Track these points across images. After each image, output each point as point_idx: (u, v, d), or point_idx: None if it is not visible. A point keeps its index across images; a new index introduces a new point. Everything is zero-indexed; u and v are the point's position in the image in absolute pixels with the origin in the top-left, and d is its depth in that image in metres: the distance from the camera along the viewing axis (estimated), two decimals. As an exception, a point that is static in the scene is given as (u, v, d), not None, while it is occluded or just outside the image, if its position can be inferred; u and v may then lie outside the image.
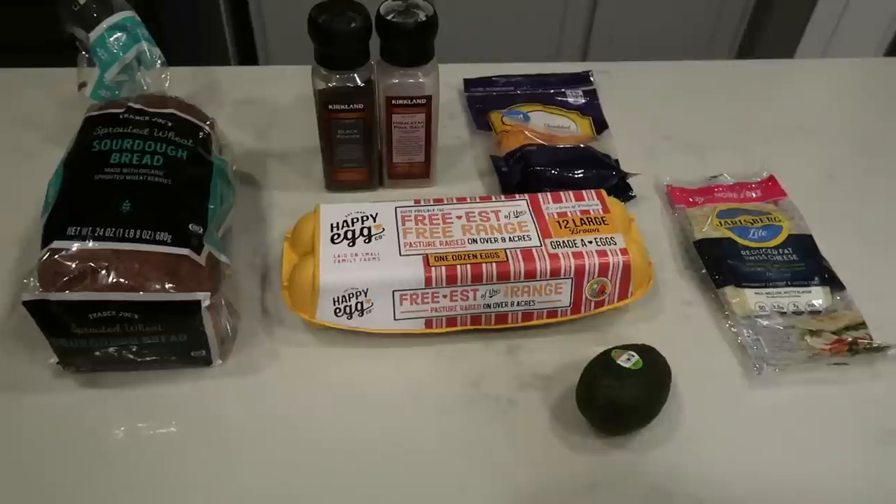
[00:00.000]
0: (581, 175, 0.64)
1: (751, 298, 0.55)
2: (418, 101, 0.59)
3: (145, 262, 0.47)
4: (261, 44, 1.60)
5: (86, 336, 0.47)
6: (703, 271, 0.58)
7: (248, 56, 1.64)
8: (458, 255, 0.51)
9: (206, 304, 0.47)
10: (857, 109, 0.78)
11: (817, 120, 0.76)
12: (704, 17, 1.61)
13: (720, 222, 0.61)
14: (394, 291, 0.51)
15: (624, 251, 0.52)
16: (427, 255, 0.51)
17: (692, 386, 0.51)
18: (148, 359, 0.50)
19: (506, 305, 0.53)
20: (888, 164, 0.71)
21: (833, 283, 0.57)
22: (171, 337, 0.48)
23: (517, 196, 0.57)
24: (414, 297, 0.51)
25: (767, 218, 0.61)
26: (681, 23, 1.61)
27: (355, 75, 0.57)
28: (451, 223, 0.54)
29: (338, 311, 0.51)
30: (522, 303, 0.53)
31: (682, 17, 1.60)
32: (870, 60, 0.92)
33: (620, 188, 0.65)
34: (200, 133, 0.57)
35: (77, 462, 0.47)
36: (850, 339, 0.53)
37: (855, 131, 0.75)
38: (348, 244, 0.52)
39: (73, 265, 0.45)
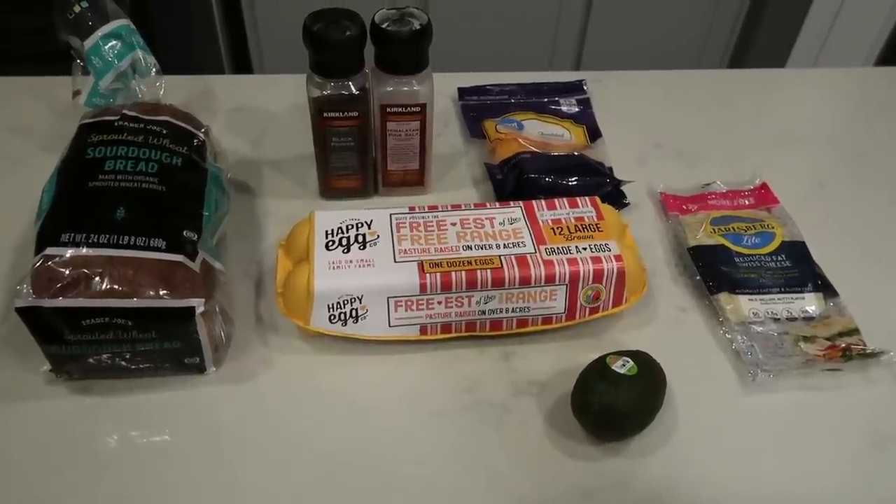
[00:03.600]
0: (575, 183, 0.64)
1: (745, 305, 0.56)
2: (413, 108, 0.60)
3: (139, 269, 0.46)
4: (255, 53, 1.61)
5: (79, 343, 0.47)
6: (697, 278, 0.59)
7: (242, 65, 1.64)
8: (452, 262, 0.51)
9: (200, 310, 0.47)
10: (847, 118, 0.79)
11: (808, 129, 0.77)
12: (696, 27, 1.62)
13: (714, 229, 0.61)
14: (388, 298, 0.51)
15: (618, 258, 0.53)
16: (422, 261, 0.51)
17: (687, 392, 0.51)
18: (141, 366, 0.49)
19: (500, 312, 0.53)
20: (879, 172, 0.71)
21: (826, 289, 0.57)
22: (165, 344, 0.48)
23: (512, 203, 0.57)
24: (409, 303, 0.51)
25: (760, 225, 0.61)
26: (673, 33, 1.62)
27: (350, 83, 0.57)
28: (446, 230, 0.54)
29: (332, 317, 0.51)
30: (517, 309, 0.53)
31: (675, 26, 1.61)
32: (860, 70, 0.93)
33: (614, 195, 0.65)
34: (195, 140, 0.57)
35: (69, 470, 0.46)
36: (843, 344, 0.53)
37: (846, 140, 0.75)
38: (343, 251, 0.52)
39: (67, 272, 0.45)
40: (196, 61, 1.50)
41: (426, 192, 0.67)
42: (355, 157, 0.62)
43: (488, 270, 0.51)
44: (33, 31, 0.88)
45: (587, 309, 0.54)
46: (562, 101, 0.76)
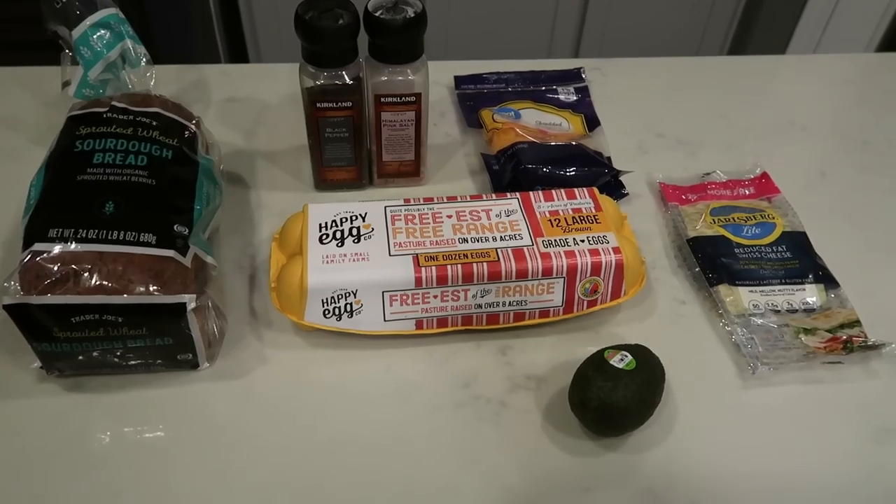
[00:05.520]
0: (573, 173, 0.63)
1: (745, 297, 0.55)
2: (408, 98, 0.59)
3: (129, 264, 0.46)
4: (251, 41, 1.59)
5: (69, 340, 0.46)
6: (697, 269, 0.58)
7: (238, 55, 1.63)
8: (448, 255, 0.51)
9: (191, 306, 0.46)
10: (849, 105, 0.78)
11: (809, 116, 0.76)
12: (696, 13, 1.61)
13: (713, 220, 0.60)
14: (383, 292, 0.50)
15: (617, 250, 0.52)
16: (417, 255, 0.51)
17: (686, 386, 0.51)
18: (133, 362, 0.49)
19: (497, 305, 0.52)
20: (880, 161, 0.70)
21: (827, 280, 0.56)
22: (157, 340, 0.47)
23: (508, 195, 0.56)
24: (404, 297, 0.50)
25: (761, 215, 0.61)
26: (672, 19, 1.61)
27: (343, 73, 0.56)
28: (442, 222, 0.53)
29: (326, 312, 0.50)
30: (514, 303, 0.52)
31: (674, 13, 1.60)
32: (861, 56, 0.92)
33: (613, 186, 0.65)
34: (186, 132, 0.56)
35: (62, 468, 0.46)
36: (844, 336, 0.52)
37: (847, 127, 0.74)
38: (337, 244, 0.51)
39: (55, 267, 0.44)
40: (191, 50, 1.49)
41: (422, 183, 0.66)
42: (349, 148, 0.61)
43: (485, 264, 0.50)
44: (21, 19, 0.87)
45: (585, 302, 0.53)
46: (559, 89, 0.75)
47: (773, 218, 0.60)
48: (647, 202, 0.65)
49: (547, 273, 0.51)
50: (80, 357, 0.47)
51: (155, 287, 0.46)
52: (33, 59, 0.73)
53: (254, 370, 0.51)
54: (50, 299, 0.44)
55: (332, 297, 0.50)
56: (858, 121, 0.75)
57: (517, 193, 0.56)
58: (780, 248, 0.58)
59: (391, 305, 0.51)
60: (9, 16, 1.06)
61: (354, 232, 0.52)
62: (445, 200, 0.55)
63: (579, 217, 0.54)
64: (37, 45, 0.66)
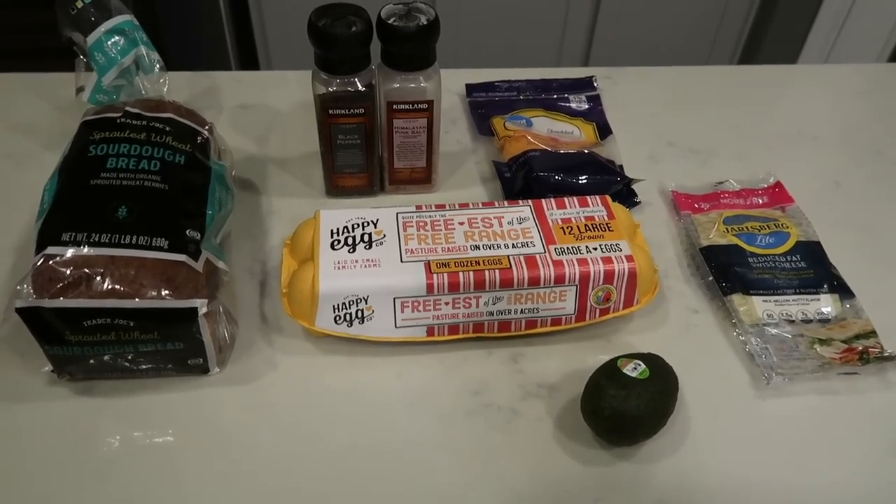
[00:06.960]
0: (585, 181, 0.63)
1: (759, 306, 0.54)
2: (420, 105, 0.59)
3: (141, 269, 0.46)
4: (261, 48, 1.60)
5: (80, 344, 0.46)
6: (710, 278, 0.58)
7: (249, 61, 1.64)
8: (460, 262, 0.50)
9: (202, 311, 0.46)
10: (860, 115, 0.78)
11: (821, 126, 0.75)
12: (706, 23, 1.61)
13: (727, 229, 0.60)
14: (395, 299, 0.50)
15: (629, 258, 0.51)
16: (429, 261, 0.50)
17: (699, 396, 0.50)
18: (144, 367, 0.49)
19: (509, 313, 0.52)
20: (894, 171, 0.70)
21: (842, 290, 0.56)
22: (168, 345, 0.47)
23: (521, 202, 0.56)
24: (415, 304, 0.50)
25: (775, 224, 0.60)
26: (682, 29, 1.61)
27: (356, 80, 0.57)
28: (454, 229, 0.53)
29: (338, 318, 0.50)
30: (526, 310, 0.52)
31: (684, 23, 1.60)
32: (873, 66, 0.92)
33: (625, 194, 0.64)
34: (199, 138, 0.56)
35: (72, 472, 0.45)
36: (860, 347, 0.52)
37: (859, 137, 0.74)
38: (348, 250, 0.51)
39: (68, 271, 0.45)
40: (202, 57, 1.50)
41: (433, 190, 0.66)
42: (361, 154, 0.61)
43: (496, 271, 0.50)
44: (36, 27, 0.88)
45: (597, 310, 0.53)
46: (571, 97, 0.75)
47: (787, 227, 0.60)
48: (659, 211, 0.65)
49: (559, 281, 0.50)
50: (91, 361, 0.47)
51: (167, 291, 0.46)
52: (47, 67, 0.74)
53: (264, 376, 0.51)
54: (62, 303, 0.44)
55: (344, 304, 0.50)
56: (870, 131, 0.75)
57: (529, 201, 0.56)
58: (794, 258, 0.58)
59: (402, 312, 0.50)
60: (24, 23, 1.07)
61: (366, 238, 0.52)
62: (457, 207, 0.55)
63: (592, 225, 0.54)
64: (51, 52, 0.66)
